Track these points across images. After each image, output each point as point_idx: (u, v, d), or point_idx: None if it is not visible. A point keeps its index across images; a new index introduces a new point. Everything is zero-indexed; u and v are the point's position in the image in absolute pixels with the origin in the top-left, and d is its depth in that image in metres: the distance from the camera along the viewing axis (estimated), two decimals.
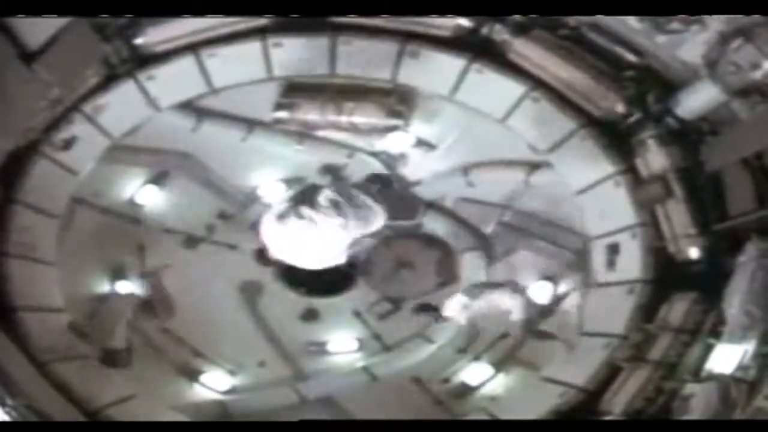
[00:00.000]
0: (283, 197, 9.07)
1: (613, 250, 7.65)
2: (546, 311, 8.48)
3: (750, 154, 6.74)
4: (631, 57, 7.37)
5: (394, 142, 9.06)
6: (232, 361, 9.33)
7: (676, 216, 7.24)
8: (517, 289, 8.61)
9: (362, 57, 8.06)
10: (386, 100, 8.51)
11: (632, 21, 7.09)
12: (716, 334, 6.27)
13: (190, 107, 8.82)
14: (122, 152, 8.70)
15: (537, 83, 7.71)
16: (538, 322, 8.60)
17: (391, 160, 9.30)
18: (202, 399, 9.06)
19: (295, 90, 8.65)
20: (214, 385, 9.19)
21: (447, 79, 8.02)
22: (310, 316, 9.59)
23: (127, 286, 9.21)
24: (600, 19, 7.30)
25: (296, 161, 9.38)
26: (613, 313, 7.38)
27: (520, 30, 7.65)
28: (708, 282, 6.87)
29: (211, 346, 9.35)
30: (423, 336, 9.49)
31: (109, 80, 7.86)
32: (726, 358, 5.88)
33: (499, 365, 9.06)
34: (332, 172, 9.35)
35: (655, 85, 7.36)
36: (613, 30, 7.33)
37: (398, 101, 8.54)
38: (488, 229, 9.51)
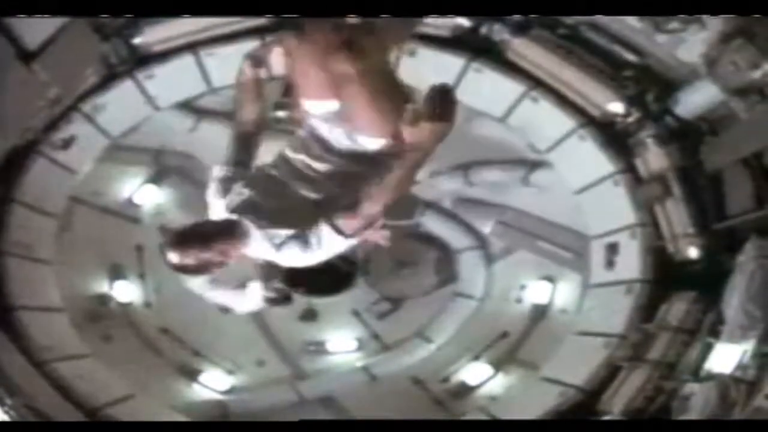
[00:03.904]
0: None
1: (612, 249, 7.64)
2: None
3: (749, 153, 6.72)
4: (630, 56, 7.35)
5: None
6: (232, 361, 9.33)
7: (676, 216, 7.22)
8: None
9: None
10: None
11: (631, 21, 7.07)
12: (715, 333, 6.25)
13: (190, 107, 8.83)
14: (121, 152, 8.70)
15: (536, 83, 7.67)
16: None
17: None
18: (201, 399, 9.07)
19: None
20: (213, 385, 9.21)
21: (446, 78, 7.95)
22: (309, 315, 9.59)
23: (126, 287, 9.24)
24: (599, 18, 7.29)
25: None
26: (612, 312, 7.38)
27: (519, 29, 7.63)
28: (707, 282, 6.84)
29: (210, 346, 9.36)
30: (422, 336, 9.49)
31: (108, 80, 7.82)
32: (725, 357, 5.86)
33: (499, 365, 9.07)
34: None
35: (654, 84, 7.33)
36: (612, 29, 7.30)
37: None
38: (487, 228, 9.51)
